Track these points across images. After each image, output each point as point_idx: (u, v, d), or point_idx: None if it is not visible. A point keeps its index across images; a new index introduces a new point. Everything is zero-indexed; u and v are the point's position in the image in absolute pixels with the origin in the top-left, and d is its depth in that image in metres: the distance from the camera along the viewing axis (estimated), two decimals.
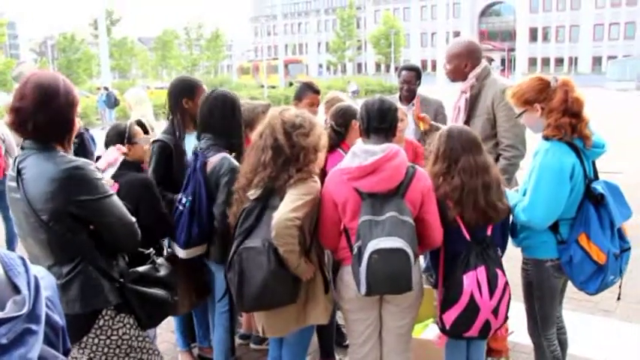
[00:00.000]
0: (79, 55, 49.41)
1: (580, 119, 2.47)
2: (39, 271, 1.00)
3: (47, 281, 1.02)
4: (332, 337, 3.36)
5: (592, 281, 2.51)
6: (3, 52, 50.56)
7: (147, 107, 5.41)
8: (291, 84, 36.78)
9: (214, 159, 2.82)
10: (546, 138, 2.50)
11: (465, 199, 2.45)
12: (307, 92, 3.83)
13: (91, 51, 50.02)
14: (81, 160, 1.96)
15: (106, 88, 22.85)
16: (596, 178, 2.58)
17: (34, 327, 0.87)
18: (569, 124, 2.45)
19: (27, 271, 0.94)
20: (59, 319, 1.00)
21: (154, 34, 60.12)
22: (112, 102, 21.55)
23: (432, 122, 3.96)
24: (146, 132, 5.01)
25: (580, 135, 2.47)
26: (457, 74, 3.54)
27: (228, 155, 2.84)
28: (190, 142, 3.24)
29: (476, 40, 3.79)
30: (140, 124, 5.09)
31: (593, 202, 2.49)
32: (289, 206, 2.29)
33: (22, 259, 0.96)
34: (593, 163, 2.60)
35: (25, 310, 0.86)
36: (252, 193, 2.43)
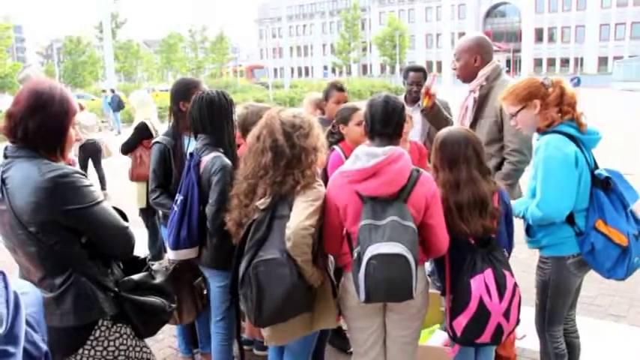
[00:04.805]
0: (85, 58, 49.70)
1: (574, 111, 2.54)
2: (22, 286, 0.94)
3: (31, 297, 0.96)
4: (324, 343, 3.31)
5: (619, 266, 2.50)
6: (9, 55, 50.81)
7: (150, 109, 5.40)
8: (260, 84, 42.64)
9: (207, 158, 2.80)
10: (538, 130, 2.58)
11: (472, 209, 2.42)
12: (333, 91, 3.96)
13: (97, 54, 50.28)
14: (67, 168, 1.87)
15: (112, 91, 22.88)
16: (596, 168, 2.59)
17: (11, 349, 0.81)
18: (557, 112, 2.52)
19: (6, 287, 0.87)
20: (42, 345, 0.93)
21: (159, 37, 60.30)
22: (116, 104, 21.52)
23: (437, 101, 3.74)
24: (150, 134, 5.01)
25: (572, 117, 2.52)
26: (467, 72, 3.42)
27: (220, 154, 2.80)
28: (192, 144, 3.20)
29: (486, 37, 3.65)
30: (144, 126, 5.10)
31: (601, 187, 2.50)
32: (303, 214, 2.22)
33: (2, 273, 0.90)
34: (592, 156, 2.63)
35: (1, 330, 0.81)
36: (262, 203, 2.35)
